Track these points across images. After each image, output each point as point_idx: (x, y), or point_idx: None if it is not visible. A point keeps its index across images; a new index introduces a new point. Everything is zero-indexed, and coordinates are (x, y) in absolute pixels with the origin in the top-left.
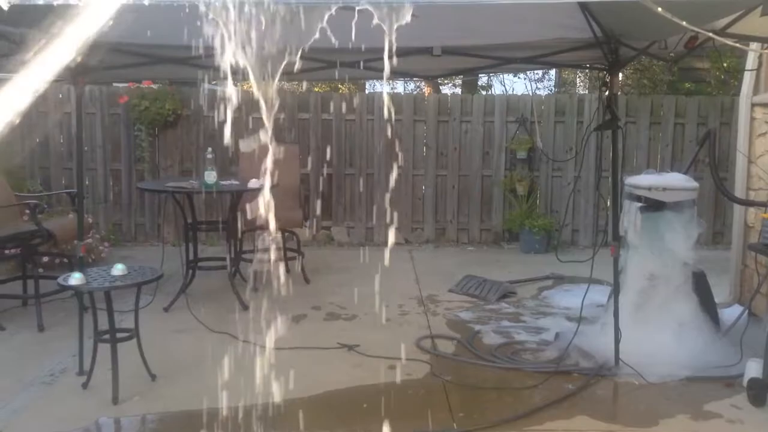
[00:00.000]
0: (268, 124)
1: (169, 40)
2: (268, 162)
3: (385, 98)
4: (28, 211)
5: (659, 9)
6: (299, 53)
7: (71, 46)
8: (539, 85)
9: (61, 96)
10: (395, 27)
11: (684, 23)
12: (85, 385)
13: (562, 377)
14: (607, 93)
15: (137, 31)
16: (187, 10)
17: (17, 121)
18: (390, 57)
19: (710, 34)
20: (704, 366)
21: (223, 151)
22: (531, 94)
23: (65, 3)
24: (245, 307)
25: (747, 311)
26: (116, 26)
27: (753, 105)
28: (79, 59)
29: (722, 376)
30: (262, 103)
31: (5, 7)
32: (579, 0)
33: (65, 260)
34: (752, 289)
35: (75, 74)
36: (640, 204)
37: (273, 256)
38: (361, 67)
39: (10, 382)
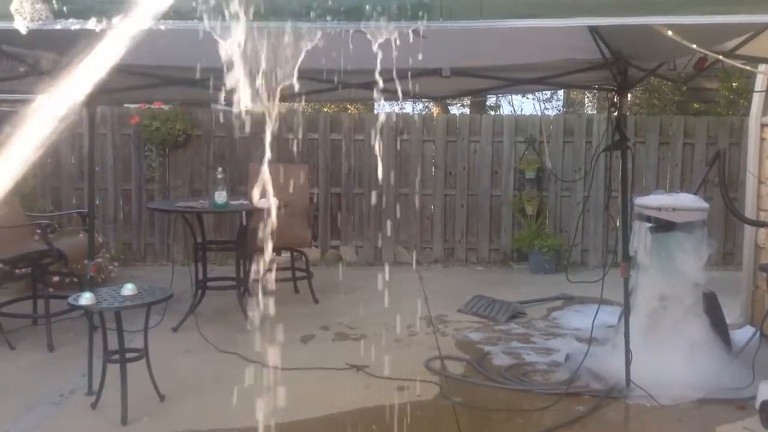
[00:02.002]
0: (277, 145)
1: (180, 62)
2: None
3: (382, 118)
4: (39, 231)
5: (669, 32)
6: (296, 75)
7: (87, 70)
8: (548, 105)
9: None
10: (395, 48)
11: (694, 46)
12: (94, 405)
13: (573, 399)
14: (616, 113)
15: (149, 53)
16: (200, 36)
17: (39, 147)
18: (395, 78)
19: (719, 57)
20: (716, 388)
21: (233, 171)
22: (539, 114)
23: (82, 28)
24: (254, 328)
25: (759, 332)
26: (130, 48)
27: (763, 125)
28: (94, 83)
29: (734, 399)
30: (271, 124)
31: (24, 32)
32: (588, 24)
33: (75, 280)
34: (764, 310)
35: (88, 96)
36: (650, 224)
37: (282, 276)
38: (384, 89)
39: (20, 401)
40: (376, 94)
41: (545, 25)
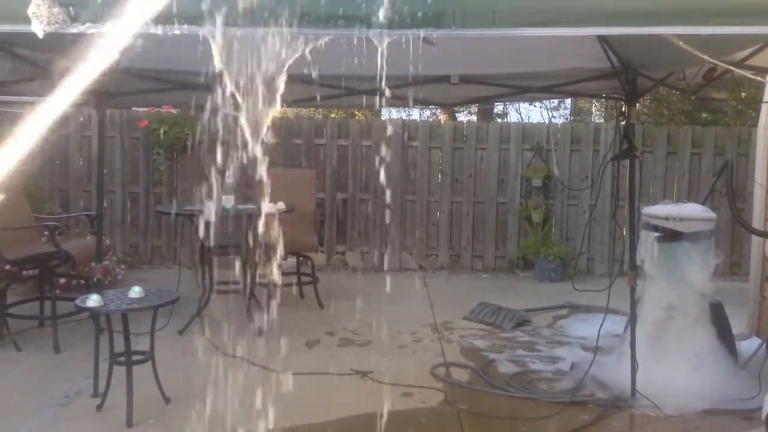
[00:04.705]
0: (285, 150)
1: (190, 66)
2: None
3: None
4: (47, 233)
5: (681, 43)
6: (284, 79)
7: (96, 72)
8: (555, 113)
9: (81, 119)
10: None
11: (705, 56)
12: (99, 408)
13: (578, 408)
14: (624, 123)
15: (160, 57)
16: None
17: (42, 145)
18: (404, 85)
19: (731, 67)
20: (722, 399)
21: (241, 176)
22: (547, 122)
23: (97, 31)
24: (259, 332)
25: (765, 344)
26: (140, 52)
27: None
28: (103, 85)
29: (740, 410)
30: (276, 129)
31: (40, 35)
32: (600, 33)
33: (82, 282)
34: None
35: (98, 99)
36: (657, 234)
37: (288, 280)
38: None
39: (25, 403)
40: (384, 101)
41: (557, 33)
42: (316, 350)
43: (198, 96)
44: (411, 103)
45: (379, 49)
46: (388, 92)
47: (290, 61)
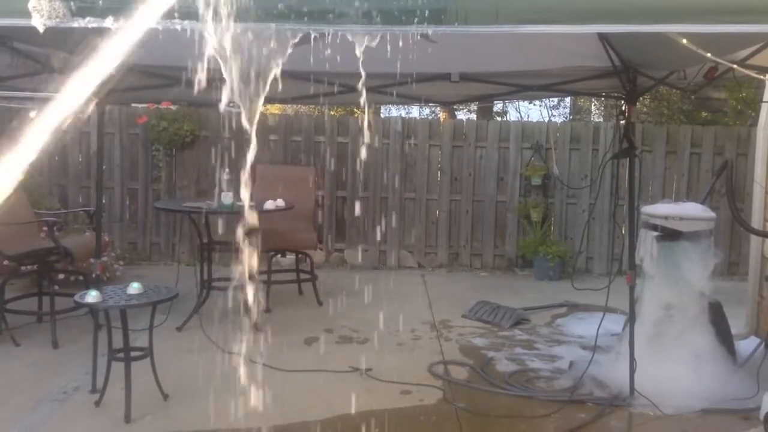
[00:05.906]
0: (284, 147)
1: (189, 63)
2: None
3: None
4: (45, 229)
5: (684, 41)
6: (280, 75)
7: (98, 68)
8: (554, 112)
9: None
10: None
11: (708, 55)
12: (97, 403)
13: (576, 407)
14: (624, 122)
15: (160, 53)
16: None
17: (47, 143)
18: (407, 82)
19: (734, 66)
20: (720, 398)
21: (240, 172)
22: (546, 121)
23: (99, 26)
24: (258, 329)
25: (764, 343)
26: (140, 48)
27: None
28: (104, 82)
29: (739, 409)
30: (275, 126)
31: (41, 30)
32: (604, 31)
33: (80, 278)
34: None
35: (98, 95)
36: (656, 233)
37: (286, 278)
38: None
39: (23, 398)
40: (384, 98)
41: (561, 31)
42: (314, 347)
43: (200, 93)
44: (410, 100)
45: (365, 47)
46: (386, 89)
47: (290, 58)
